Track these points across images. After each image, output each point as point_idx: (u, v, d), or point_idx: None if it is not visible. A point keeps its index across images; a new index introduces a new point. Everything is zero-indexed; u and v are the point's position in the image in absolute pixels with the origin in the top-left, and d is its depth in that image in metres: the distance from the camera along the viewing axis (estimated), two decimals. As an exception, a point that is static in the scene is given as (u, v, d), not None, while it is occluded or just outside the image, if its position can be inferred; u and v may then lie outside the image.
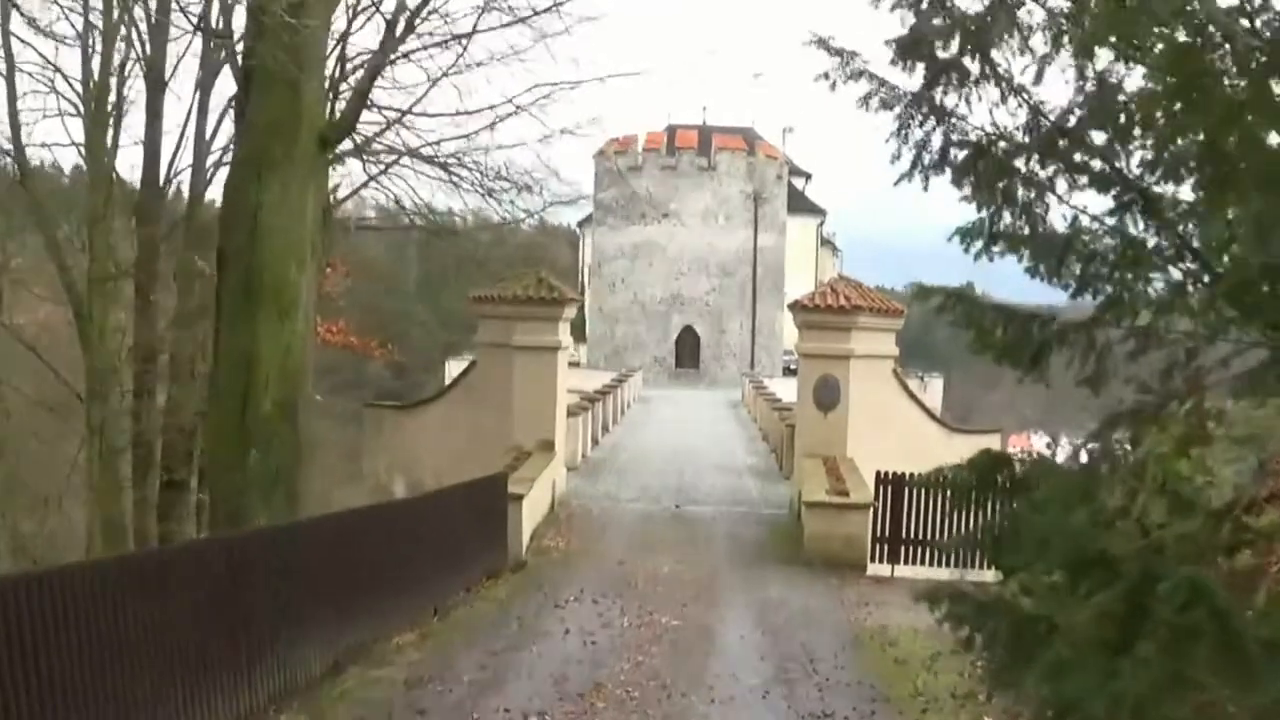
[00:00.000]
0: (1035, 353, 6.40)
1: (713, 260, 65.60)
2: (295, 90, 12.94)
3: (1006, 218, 6.89)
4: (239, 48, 15.31)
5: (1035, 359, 6.43)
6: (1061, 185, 6.75)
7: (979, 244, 6.69)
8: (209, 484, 13.72)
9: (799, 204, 76.17)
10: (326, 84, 16.75)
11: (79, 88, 25.52)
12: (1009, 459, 7.05)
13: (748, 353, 65.96)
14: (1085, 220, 6.65)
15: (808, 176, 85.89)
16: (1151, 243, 6.34)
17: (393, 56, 24.00)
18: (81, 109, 25.54)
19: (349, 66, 18.81)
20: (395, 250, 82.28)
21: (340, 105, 23.74)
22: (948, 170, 6.89)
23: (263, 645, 10.07)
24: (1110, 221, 6.48)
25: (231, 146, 18.32)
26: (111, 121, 25.90)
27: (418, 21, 21.45)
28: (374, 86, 23.00)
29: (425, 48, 25.01)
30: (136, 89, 26.34)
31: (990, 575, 18.10)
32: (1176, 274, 6.41)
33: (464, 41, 23.13)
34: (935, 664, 12.42)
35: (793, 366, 59.39)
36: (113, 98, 25.94)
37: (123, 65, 25.97)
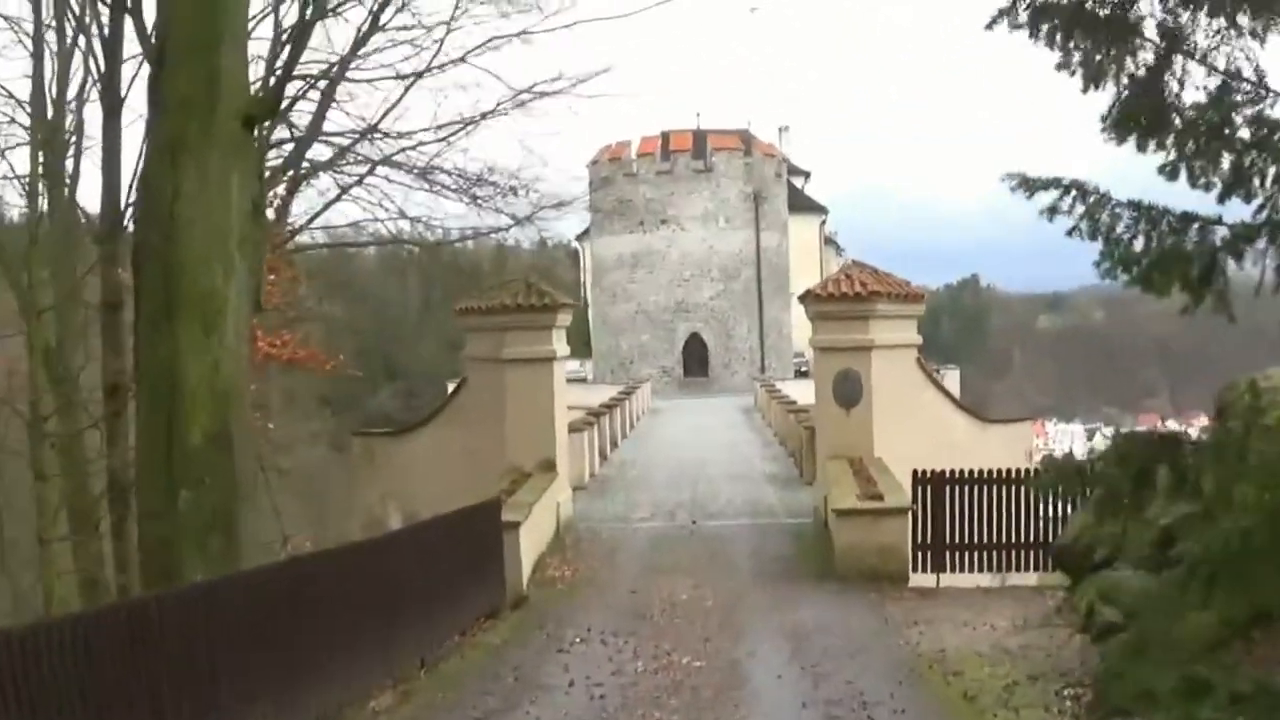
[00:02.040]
0: (1206, 267, 4.29)
1: (715, 264, 63.87)
2: (213, 58, 10.94)
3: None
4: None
5: (1205, 276, 4.33)
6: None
7: (1132, 130, 4.63)
8: (139, 533, 11.57)
9: (799, 202, 74.42)
10: (266, 66, 14.89)
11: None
12: (1178, 442, 4.91)
13: (757, 357, 64.24)
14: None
15: (807, 175, 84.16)
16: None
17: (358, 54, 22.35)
18: (35, 136, 23.81)
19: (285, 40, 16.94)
20: (395, 274, 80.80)
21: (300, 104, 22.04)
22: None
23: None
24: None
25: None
26: (72, 148, 24.22)
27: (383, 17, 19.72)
28: (340, 81, 21.30)
29: (396, 44, 23.47)
30: (95, 115, 24.72)
31: (1033, 579, 16.18)
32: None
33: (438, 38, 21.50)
34: (1013, 697, 10.29)
35: (804, 369, 58.38)
36: (70, 123, 24.26)
37: (81, 89, 24.34)
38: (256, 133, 13.27)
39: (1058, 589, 15.43)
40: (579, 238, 78.86)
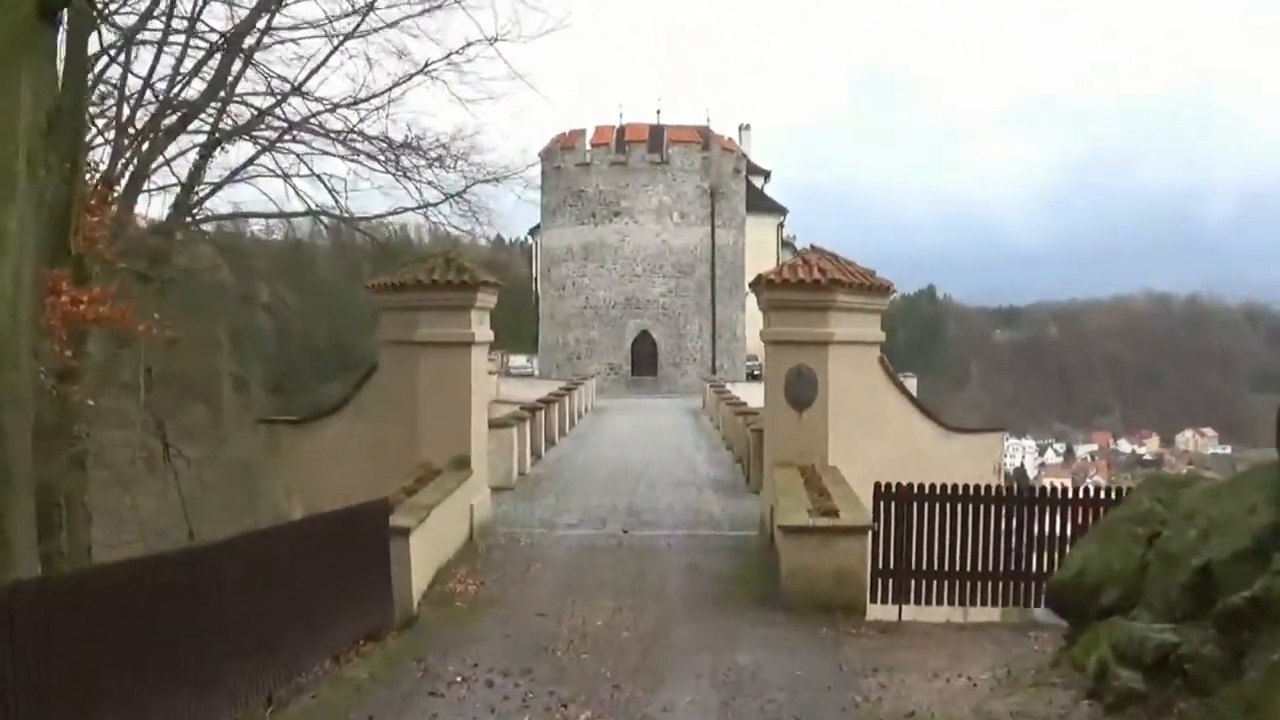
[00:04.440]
0: None
1: (668, 260, 61.81)
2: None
3: None
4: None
5: None
6: None
7: None
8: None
9: (758, 202, 72.56)
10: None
11: None
12: None
13: (708, 357, 62.24)
14: None
15: (766, 175, 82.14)
16: None
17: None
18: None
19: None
20: (348, 265, 78.41)
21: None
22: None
23: None
24: None
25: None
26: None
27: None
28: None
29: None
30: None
31: (995, 614, 13.75)
32: None
33: None
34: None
35: (757, 372, 56.28)
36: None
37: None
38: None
39: (1041, 629, 13.09)
40: (532, 233, 76.78)
